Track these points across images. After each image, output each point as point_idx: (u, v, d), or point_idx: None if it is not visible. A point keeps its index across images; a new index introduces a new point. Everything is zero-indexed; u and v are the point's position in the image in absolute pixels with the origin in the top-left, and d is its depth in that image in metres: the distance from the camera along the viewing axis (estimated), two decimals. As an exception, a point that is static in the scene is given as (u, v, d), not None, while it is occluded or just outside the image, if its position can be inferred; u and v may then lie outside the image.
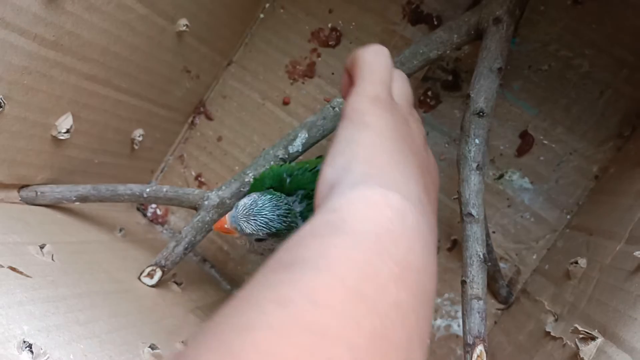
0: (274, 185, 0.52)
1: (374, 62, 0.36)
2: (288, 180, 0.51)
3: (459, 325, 0.64)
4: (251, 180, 0.56)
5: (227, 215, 0.49)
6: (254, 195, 0.49)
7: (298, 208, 0.51)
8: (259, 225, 0.47)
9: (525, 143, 0.63)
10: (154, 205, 0.76)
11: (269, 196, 0.48)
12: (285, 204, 0.49)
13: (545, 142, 0.63)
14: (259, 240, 0.49)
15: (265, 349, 0.18)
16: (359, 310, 0.21)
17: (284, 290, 0.21)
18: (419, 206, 0.29)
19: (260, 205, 0.48)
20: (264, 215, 0.47)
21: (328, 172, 0.33)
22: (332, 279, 0.22)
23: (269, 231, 0.48)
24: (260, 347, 0.19)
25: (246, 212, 0.48)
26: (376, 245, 0.24)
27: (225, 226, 0.49)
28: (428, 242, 0.28)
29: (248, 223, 0.48)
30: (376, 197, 0.28)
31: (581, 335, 0.40)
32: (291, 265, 0.22)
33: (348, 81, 0.40)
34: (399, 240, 0.25)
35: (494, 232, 0.64)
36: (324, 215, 0.27)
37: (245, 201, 0.48)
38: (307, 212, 0.50)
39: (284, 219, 0.48)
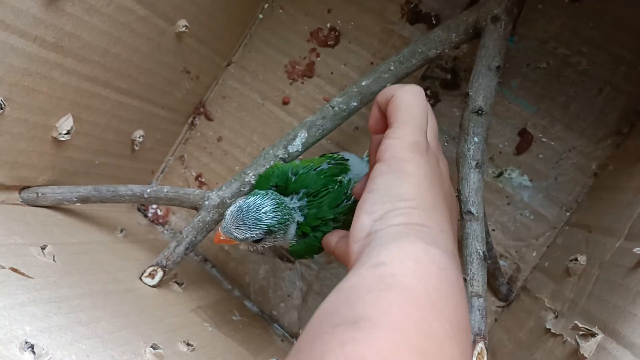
0: (278, 183, 0.52)
1: (414, 106, 0.35)
2: (293, 178, 0.52)
3: (459, 323, 0.64)
4: (252, 180, 0.56)
5: (219, 227, 0.50)
6: (239, 201, 0.49)
7: (298, 204, 0.51)
8: (250, 228, 0.48)
9: (524, 141, 0.64)
10: (154, 206, 0.76)
11: (253, 197, 0.49)
12: (272, 199, 0.49)
13: (544, 139, 0.63)
14: (257, 241, 0.49)
15: None
16: None
17: (357, 349, 0.22)
18: (453, 258, 0.30)
19: (246, 208, 0.48)
20: (252, 217, 0.48)
21: (365, 220, 0.33)
22: (398, 337, 0.23)
23: (261, 230, 0.48)
24: None
25: (234, 219, 0.48)
26: (428, 302, 0.25)
27: (222, 237, 0.49)
28: (464, 294, 0.29)
29: (239, 229, 0.48)
30: (420, 253, 0.29)
31: (581, 332, 0.40)
32: (356, 322, 0.24)
33: (379, 116, 0.40)
34: (447, 298, 0.27)
35: (493, 230, 0.64)
36: (372, 268, 0.28)
37: (232, 209, 0.49)
38: (308, 209, 0.51)
39: (273, 214, 0.48)
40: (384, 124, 0.39)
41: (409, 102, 0.35)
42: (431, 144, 0.37)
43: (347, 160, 0.55)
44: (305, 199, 0.51)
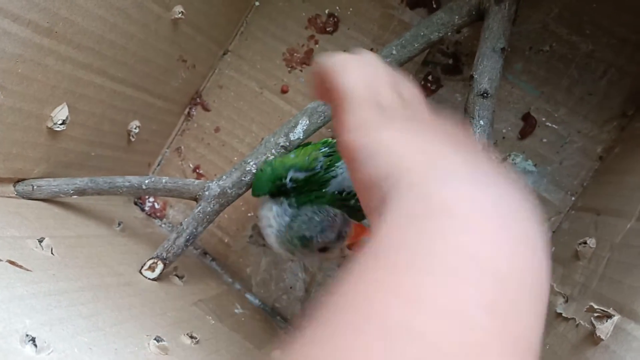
0: (272, 190, 0.51)
1: (348, 85, 0.31)
2: (290, 185, 0.51)
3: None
4: (252, 169, 0.55)
5: (331, 244, 0.49)
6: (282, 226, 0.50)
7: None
8: (321, 221, 0.48)
9: (528, 125, 0.63)
10: (151, 199, 0.74)
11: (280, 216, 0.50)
12: (287, 212, 0.51)
13: (548, 123, 0.62)
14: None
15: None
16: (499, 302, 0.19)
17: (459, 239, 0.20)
18: (502, 185, 0.25)
19: (303, 222, 0.49)
20: (308, 216, 0.49)
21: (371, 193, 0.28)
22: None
23: (322, 212, 0.49)
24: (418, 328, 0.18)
25: (316, 229, 0.49)
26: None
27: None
28: (523, 202, 0.24)
29: (328, 229, 0.49)
30: (470, 189, 0.24)
31: (596, 314, 0.39)
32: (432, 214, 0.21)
33: (321, 86, 0.34)
34: (513, 222, 0.22)
35: (498, 217, 0.63)
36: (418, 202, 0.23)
37: (296, 227, 0.49)
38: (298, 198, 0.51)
39: (305, 212, 0.50)
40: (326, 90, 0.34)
41: (341, 85, 0.31)
42: (383, 92, 0.32)
43: None
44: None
